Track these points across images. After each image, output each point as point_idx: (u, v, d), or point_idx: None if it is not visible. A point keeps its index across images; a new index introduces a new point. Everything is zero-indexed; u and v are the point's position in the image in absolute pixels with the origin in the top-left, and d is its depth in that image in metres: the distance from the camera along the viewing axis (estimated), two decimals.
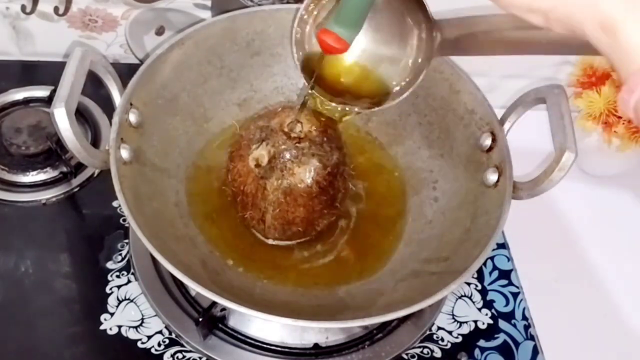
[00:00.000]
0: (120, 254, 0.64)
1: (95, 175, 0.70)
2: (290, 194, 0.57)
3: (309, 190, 0.57)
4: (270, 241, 0.62)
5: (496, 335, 0.63)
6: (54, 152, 0.69)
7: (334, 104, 0.58)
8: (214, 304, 0.57)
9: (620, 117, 0.72)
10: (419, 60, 0.57)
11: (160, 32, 0.79)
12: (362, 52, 0.58)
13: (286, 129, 0.57)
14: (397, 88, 0.58)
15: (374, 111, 0.59)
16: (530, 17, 0.34)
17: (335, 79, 0.58)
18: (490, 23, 0.52)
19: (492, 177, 0.58)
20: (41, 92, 0.75)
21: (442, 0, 0.54)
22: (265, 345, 0.59)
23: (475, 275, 0.68)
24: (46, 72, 0.78)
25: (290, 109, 0.59)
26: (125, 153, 0.55)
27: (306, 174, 0.56)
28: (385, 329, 0.61)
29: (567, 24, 0.33)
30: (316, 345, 0.59)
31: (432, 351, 0.61)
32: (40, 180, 0.69)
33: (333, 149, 0.58)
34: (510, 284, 0.67)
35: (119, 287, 0.62)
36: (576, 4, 0.31)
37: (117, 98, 0.59)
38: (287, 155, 0.56)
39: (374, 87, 0.59)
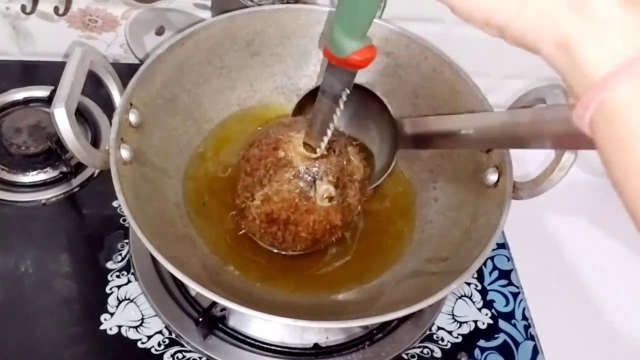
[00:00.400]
0: (120, 254, 0.64)
1: (95, 175, 0.70)
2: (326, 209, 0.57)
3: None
4: (275, 250, 0.61)
5: (496, 335, 0.63)
6: (54, 152, 0.69)
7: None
8: (214, 304, 0.57)
9: None
10: (388, 150, 0.63)
11: (160, 32, 0.79)
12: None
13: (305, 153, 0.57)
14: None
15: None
16: (486, 30, 0.34)
17: None
18: (447, 124, 0.57)
19: (492, 177, 0.58)
20: (41, 92, 0.75)
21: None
22: (265, 345, 0.59)
23: (475, 275, 0.68)
24: (46, 72, 0.78)
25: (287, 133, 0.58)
26: (125, 153, 0.55)
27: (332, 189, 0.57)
28: (385, 329, 0.61)
29: (521, 39, 0.33)
30: (316, 345, 0.59)
31: (432, 351, 0.61)
32: (40, 180, 0.69)
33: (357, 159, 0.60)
34: (510, 284, 0.67)
35: (119, 287, 0.62)
36: (532, 21, 0.31)
37: (117, 98, 0.59)
38: (320, 173, 0.56)
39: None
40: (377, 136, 0.66)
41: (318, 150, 0.56)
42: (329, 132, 0.54)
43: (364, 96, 0.62)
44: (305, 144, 0.56)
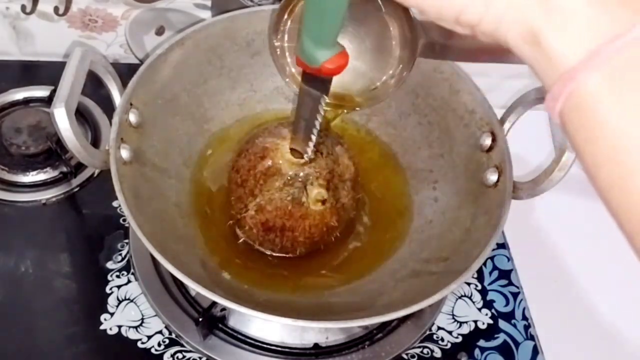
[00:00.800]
0: (120, 254, 0.64)
1: (95, 175, 0.70)
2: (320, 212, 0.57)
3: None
4: (275, 254, 0.61)
5: (496, 335, 0.63)
6: (54, 152, 0.69)
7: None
8: (214, 304, 0.57)
9: None
10: (402, 62, 0.56)
11: (160, 32, 0.79)
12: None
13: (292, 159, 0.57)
14: (382, 86, 0.58)
15: (357, 110, 0.59)
16: (457, 28, 0.35)
17: None
18: None
19: (492, 177, 0.58)
20: (41, 92, 0.75)
21: None
22: (265, 345, 0.59)
23: (475, 275, 0.68)
24: (46, 72, 0.78)
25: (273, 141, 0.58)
26: (125, 153, 0.55)
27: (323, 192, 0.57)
28: (385, 329, 0.61)
29: (491, 35, 0.33)
30: (316, 345, 0.59)
31: (432, 351, 0.61)
32: (40, 180, 0.69)
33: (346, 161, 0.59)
34: (510, 284, 0.67)
35: (119, 287, 0.62)
36: (501, 15, 0.31)
37: (117, 98, 0.59)
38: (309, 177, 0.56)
39: (359, 86, 0.58)
40: (394, 41, 0.57)
41: (305, 155, 0.56)
42: (314, 137, 0.54)
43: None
44: (292, 150, 0.57)
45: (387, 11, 0.54)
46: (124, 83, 0.59)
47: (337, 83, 0.51)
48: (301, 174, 0.56)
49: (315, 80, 0.49)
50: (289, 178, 0.56)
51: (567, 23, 0.29)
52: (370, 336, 0.61)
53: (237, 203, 0.59)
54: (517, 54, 0.32)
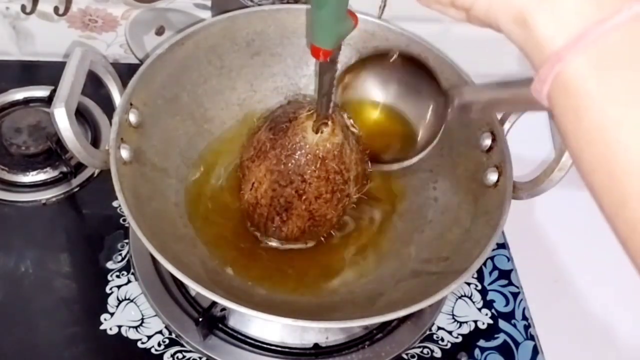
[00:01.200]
0: (120, 254, 0.64)
1: (95, 175, 0.70)
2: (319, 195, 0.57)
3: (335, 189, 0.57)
4: (273, 243, 0.61)
5: (496, 335, 0.63)
6: (54, 152, 0.69)
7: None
8: (214, 304, 0.57)
9: None
10: (433, 124, 0.60)
11: (160, 32, 0.79)
12: (382, 109, 0.61)
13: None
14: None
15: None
16: (451, 13, 0.35)
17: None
18: (503, 94, 0.56)
19: (492, 177, 0.58)
20: (41, 92, 0.75)
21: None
22: (265, 345, 0.59)
23: (475, 275, 0.68)
24: (46, 72, 0.78)
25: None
26: (125, 153, 0.55)
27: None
28: (385, 329, 0.61)
29: (484, 19, 0.34)
30: (316, 345, 0.59)
31: (432, 351, 0.61)
32: (40, 180, 0.69)
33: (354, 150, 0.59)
34: (510, 284, 0.67)
35: (119, 287, 0.62)
36: (492, 0, 0.32)
37: (117, 98, 0.59)
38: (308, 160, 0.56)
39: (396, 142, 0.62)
40: (424, 107, 0.62)
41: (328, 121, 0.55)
42: (332, 101, 0.54)
43: (413, 67, 0.61)
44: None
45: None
46: (124, 83, 0.59)
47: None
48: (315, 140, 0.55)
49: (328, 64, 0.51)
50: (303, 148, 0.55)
51: (555, 6, 0.30)
52: (370, 336, 0.61)
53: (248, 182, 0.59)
54: (507, 37, 0.33)
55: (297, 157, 0.55)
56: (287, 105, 0.61)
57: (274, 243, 0.61)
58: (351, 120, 0.59)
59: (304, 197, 0.56)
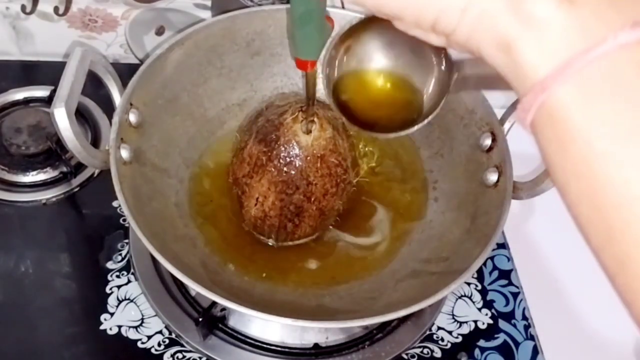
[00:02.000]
0: (120, 254, 0.64)
1: (95, 175, 0.70)
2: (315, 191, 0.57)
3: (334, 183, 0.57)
4: (271, 242, 0.61)
5: (496, 335, 0.63)
6: (54, 152, 0.69)
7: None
8: (214, 304, 0.57)
9: None
10: (435, 93, 0.56)
11: (160, 32, 0.79)
12: (385, 75, 0.58)
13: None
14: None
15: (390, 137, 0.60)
16: (432, 38, 0.34)
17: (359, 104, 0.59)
18: None
19: (492, 177, 0.58)
20: (41, 92, 0.75)
21: None
22: (265, 345, 0.59)
23: (475, 275, 0.68)
24: (46, 72, 0.78)
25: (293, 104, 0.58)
26: (125, 153, 0.55)
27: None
28: (385, 329, 0.61)
29: (465, 45, 0.32)
30: (316, 345, 0.59)
31: (432, 351, 0.61)
32: (40, 180, 0.69)
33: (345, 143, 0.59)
34: (510, 284, 0.67)
35: (119, 287, 0.62)
36: (475, 24, 0.31)
37: (117, 98, 0.59)
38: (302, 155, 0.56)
39: (395, 111, 0.59)
40: (428, 74, 0.61)
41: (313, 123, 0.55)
42: (314, 100, 0.55)
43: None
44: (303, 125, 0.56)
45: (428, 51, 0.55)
46: (124, 83, 0.59)
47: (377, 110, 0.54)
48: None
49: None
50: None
51: (541, 34, 0.29)
52: (370, 336, 0.61)
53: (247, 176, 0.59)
54: (489, 63, 0.32)
55: (297, 163, 0.55)
56: (266, 110, 0.61)
57: (272, 242, 0.61)
58: (332, 109, 0.58)
59: (312, 199, 0.57)
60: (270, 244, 0.61)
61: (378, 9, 0.34)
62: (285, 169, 0.55)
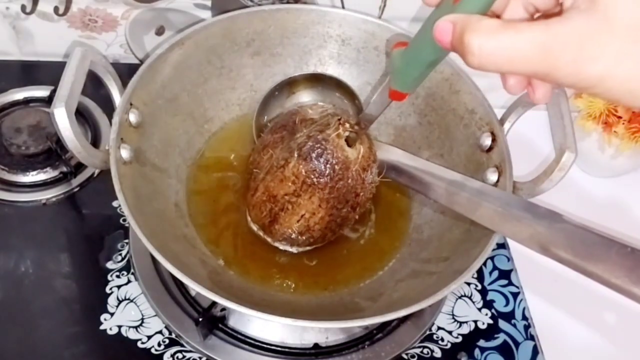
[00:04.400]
0: (120, 254, 0.64)
1: (95, 175, 0.70)
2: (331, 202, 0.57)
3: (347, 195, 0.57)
4: (276, 244, 0.61)
5: (496, 335, 0.63)
6: (54, 152, 0.69)
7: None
8: (214, 304, 0.57)
9: (620, 117, 0.72)
10: None
11: (160, 32, 0.79)
12: None
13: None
14: None
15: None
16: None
17: None
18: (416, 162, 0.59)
19: (492, 177, 0.58)
20: (41, 92, 0.75)
21: None
22: (265, 345, 0.59)
23: (475, 275, 0.68)
24: (46, 72, 0.78)
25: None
26: (125, 153, 0.55)
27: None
28: (385, 329, 0.61)
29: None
30: (316, 345, 0.59)
31: (432, 351, 0.61)
32: (40, 180, 0.69)
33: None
34: (510, 284, 0.67)
35: (119, 287, 0.62)
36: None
37: (117, 98, 0.59)
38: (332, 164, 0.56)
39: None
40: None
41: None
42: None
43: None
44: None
45: None
46: (124, 83, 0.59)
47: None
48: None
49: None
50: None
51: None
52: (370, 336, 0.61)
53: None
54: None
55: (349, 179, 0.55)
56: (300, 125, 0.59)
57: (277, 244, 0.61)
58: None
59: (357, 209, 0.58)
60: (293, 251, 0.61)
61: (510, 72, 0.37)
62: (337, 185, 0.55)
